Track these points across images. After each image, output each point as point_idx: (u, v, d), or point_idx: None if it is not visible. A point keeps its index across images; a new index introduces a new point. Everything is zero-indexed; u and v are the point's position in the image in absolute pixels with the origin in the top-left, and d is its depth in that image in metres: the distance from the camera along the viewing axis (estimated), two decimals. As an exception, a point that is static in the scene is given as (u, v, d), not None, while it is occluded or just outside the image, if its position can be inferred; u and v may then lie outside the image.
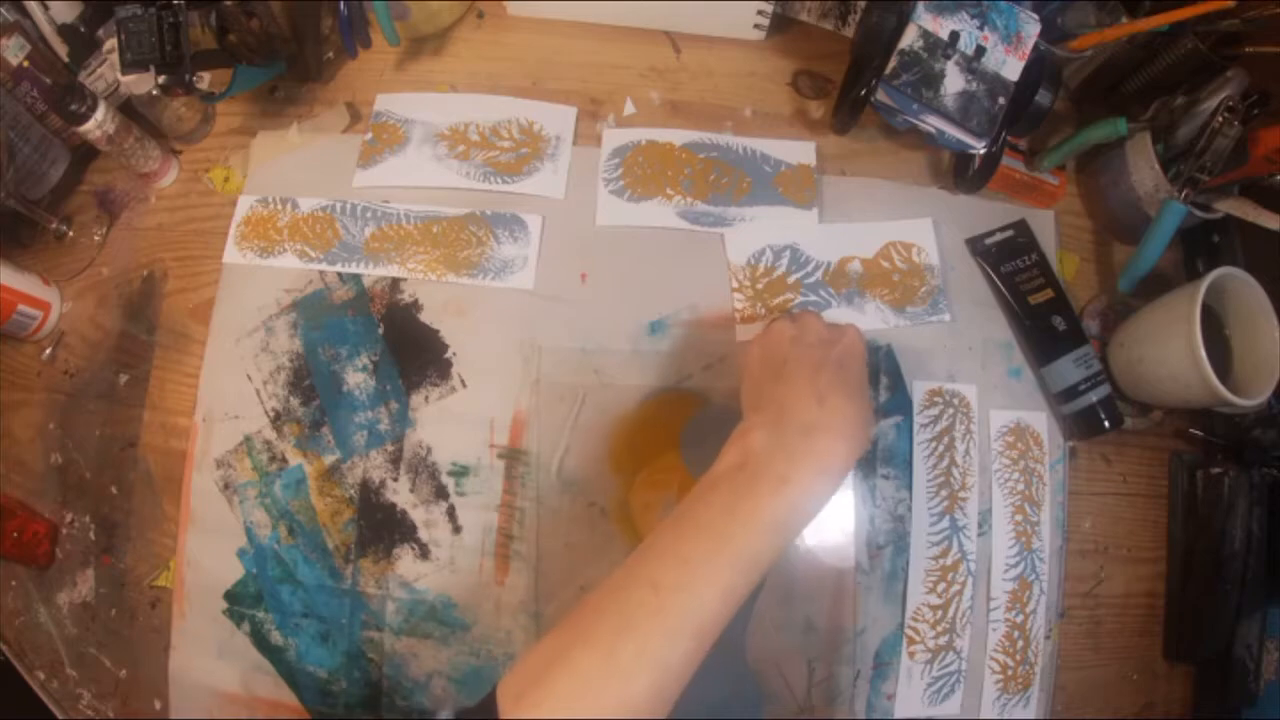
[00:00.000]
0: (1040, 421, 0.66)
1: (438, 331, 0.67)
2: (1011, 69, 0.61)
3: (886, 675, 0.62)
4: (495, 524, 0.63)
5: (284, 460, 0.66)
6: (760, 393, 0.50)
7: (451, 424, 0.65)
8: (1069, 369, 0.64)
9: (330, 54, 0.74)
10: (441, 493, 0.64)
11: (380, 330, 0.67)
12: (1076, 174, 0.72)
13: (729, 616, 0.42)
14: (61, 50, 0.71)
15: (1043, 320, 0.65)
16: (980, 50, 0.61)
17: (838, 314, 0.67)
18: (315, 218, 0.70)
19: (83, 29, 0.71)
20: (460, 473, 0.64)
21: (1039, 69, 0.62)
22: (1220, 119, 0.60)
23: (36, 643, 0.67)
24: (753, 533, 0.43)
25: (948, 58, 0.61)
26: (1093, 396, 0.63)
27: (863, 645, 0.62)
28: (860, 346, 0.52)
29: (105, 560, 0.67)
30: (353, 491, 0.65)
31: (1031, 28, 0.61)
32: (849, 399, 0.48)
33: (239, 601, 0.65)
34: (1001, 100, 0.62)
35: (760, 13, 0.70)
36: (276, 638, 0.64)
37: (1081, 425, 0.65)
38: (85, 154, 0.75)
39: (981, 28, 0.61)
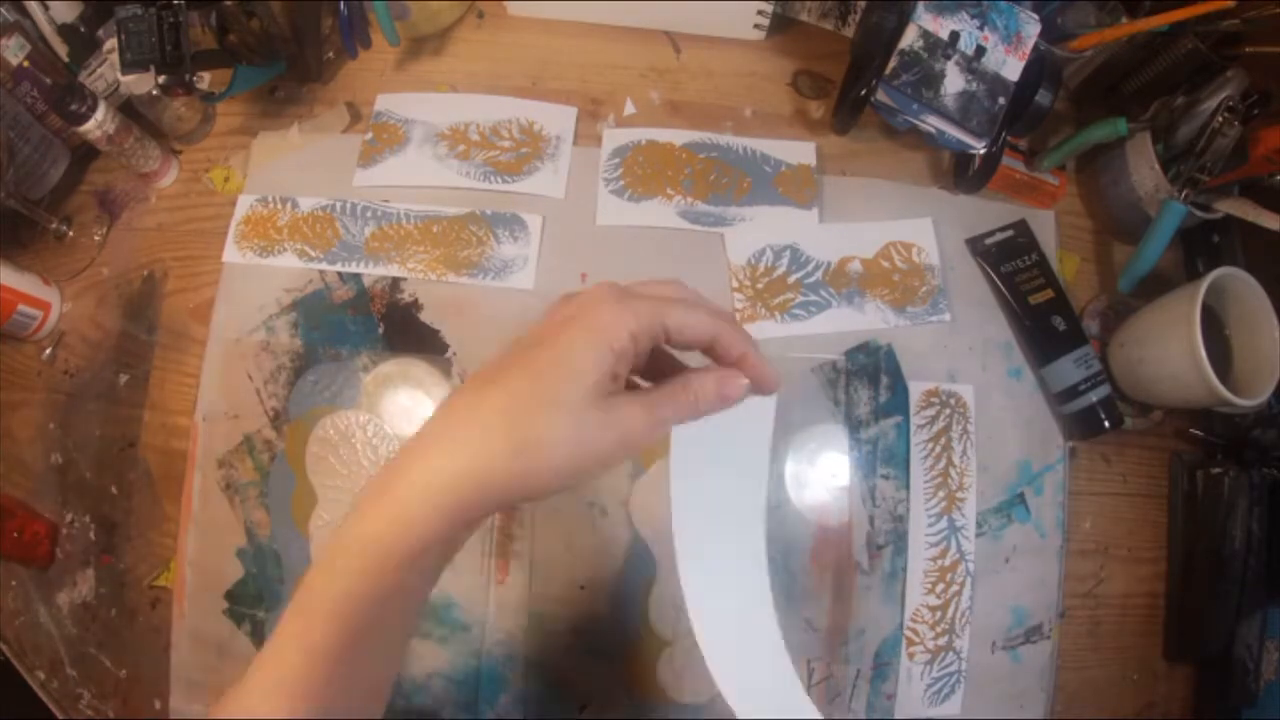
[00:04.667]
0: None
1: (438, 331, 0.67)
2: (1011, 69, 0.61)
3: (886, 675, 0.62)
4: (495, 523, 0.63)
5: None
6: None
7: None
8: (1069, 369, 0.64)
9: (330, 54, 0.74)
10: (441, 493, 0.64)
11: (380, 330, 0.67)
12: (1076, 174, 0.72)
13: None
14: (61, 50, 0.71)
15: (1043, 320, 0.65)
16: (980, 50, 0.61)
17: (838, 314, 0.67)
18: (315, 217, 0.70)
19: (83, 29, 0.71)
20: (460, 473, 0.64)
21: (1039, 69, 0.62)
22: (1220, 119, 0.60)
23: (36, 643, 0.67)
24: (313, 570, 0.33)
25: (948, 58, 0.61)
26: (1093, 396, 0.63)
27: (862, 645, 0.62)
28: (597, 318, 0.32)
29: (105, 560, 0.67)
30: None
31: (1031, 28, 0.61)
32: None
33: (239, 601, 0.65)
34: (1001, 100, 0.62)
35: (760, 13, 0.70)
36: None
37: (1081, 425, 0.64)
38: (85, 154, 0.75)
39: (981, 28, 0.61)
